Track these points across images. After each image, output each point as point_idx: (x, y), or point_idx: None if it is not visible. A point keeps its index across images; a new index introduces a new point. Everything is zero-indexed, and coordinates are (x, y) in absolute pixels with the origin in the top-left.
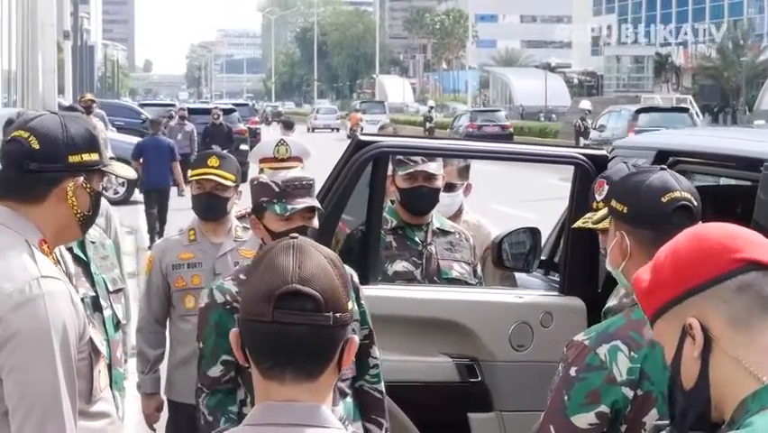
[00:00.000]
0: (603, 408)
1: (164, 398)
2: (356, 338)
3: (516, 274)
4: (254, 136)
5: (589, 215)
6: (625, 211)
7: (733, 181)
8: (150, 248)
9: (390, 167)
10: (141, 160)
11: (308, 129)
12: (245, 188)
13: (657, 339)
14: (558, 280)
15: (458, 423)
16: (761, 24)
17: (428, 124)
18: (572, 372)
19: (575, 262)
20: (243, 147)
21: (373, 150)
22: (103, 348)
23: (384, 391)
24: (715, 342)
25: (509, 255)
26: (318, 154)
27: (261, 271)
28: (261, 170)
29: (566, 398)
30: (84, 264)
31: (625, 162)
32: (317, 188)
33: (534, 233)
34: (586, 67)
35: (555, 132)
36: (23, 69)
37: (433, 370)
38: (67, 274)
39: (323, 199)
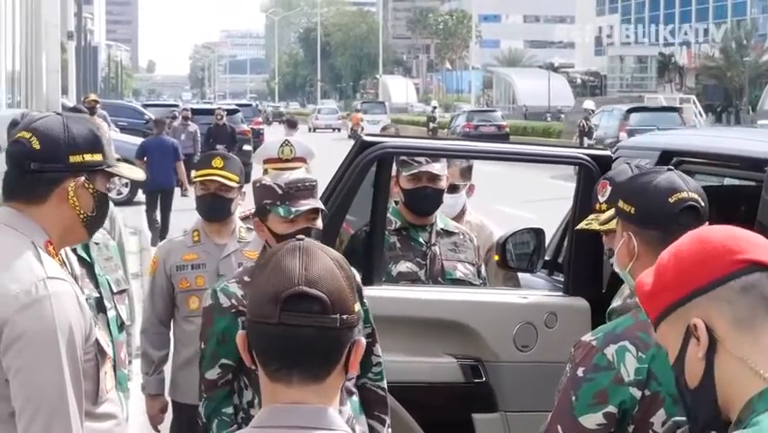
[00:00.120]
0: (611, 408)
1: (168, 399)
2: (363, 340)
3: (520, 275)
4: (257, 137)
5: (593, 216)
6: (632, 212)
7: (737, 182)
8: (152, 244)
9: (394, 168)
10: (144, 159)
11: (310, 129)
12: (249, 189)
13: (660, 341)
14: (562, 280)
15: (462, 423)
16: (764, 24)
17: (431, 125)
18: (580, 372)
19: (579, 263)
20: (247, 147)
21: (377, 150)
22: (109, 349)
23: (386, 388)
24: (719, 342)
25: (513, 256)
26: (319, 154)
27: (268, 272)
28: (266, 171)
29: (574, 398)
30: (88, 265)
31: (628, 163)
32: (319, 188)
33: (538, 233)
34: (589, 67)
35: (559, 132)
36: (27, 70)
37: (437, 370)
38: (73, 275)
39: (327, 200)
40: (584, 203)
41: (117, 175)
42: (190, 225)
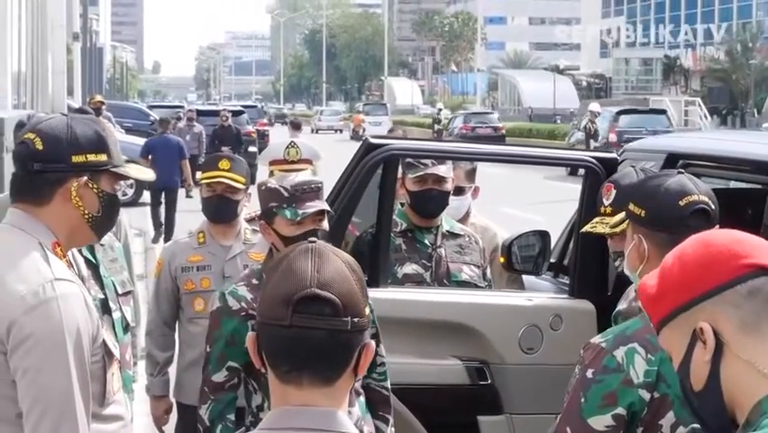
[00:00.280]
0: (620, 410)
1: (173, 400)
2: (373, 344)
3: (526, 277)
4: (263, 138)
5: (597, 219)
6: (642, 214)
7: (743, 185)
8: (153, 241)
9: (400, 170)
10: (149, 158)
11: (312, 130)
12: (254, 191)
13: (663, 345)
14: (568, 283)
15: (468, 426)
16: None
17: (437, 127)
18: (589, 374)
19: (585, 265)
20: (252, 149)
21: (383, 153)
22: (116, 351)
23: (390, 388)
24: (726, 346)
25: (519, 258)
26: (323, 155)
27: (280, 274)
28: (271, 173)
29: (583, 400)
30: (93, 267)
31: (633, 166)
32: (324, 190)
33: (543, 235)
34: (594, 69)
35: (564, 134)
36: (33, 71)
37: (443, 372)
38: (80, 277)
39: (333, 202)
40: (590, 205)
41: (124, 176)
42: (195, 226)
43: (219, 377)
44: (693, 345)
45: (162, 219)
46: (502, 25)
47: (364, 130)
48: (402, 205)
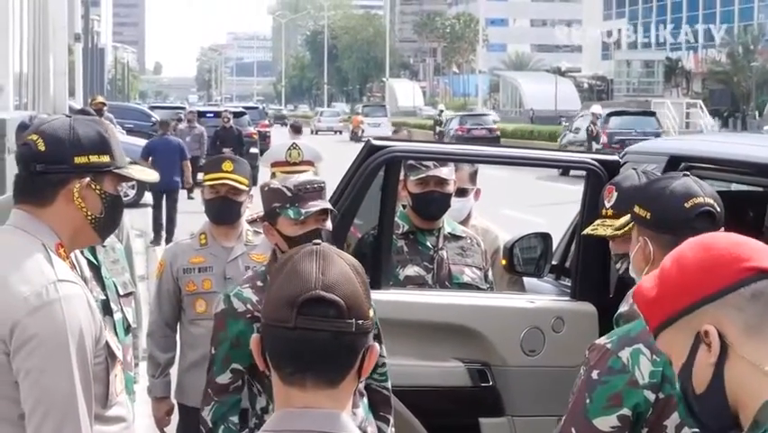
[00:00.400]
0: (625, 411)
1: (174, 402)
2: (377, 346)
3: (527, 279)
4: (264, 139)
5: (599, 221)
6: (648, 217)
7: (745, 187)
8: (154, 243)
9: (402, 172)
10: (149, 159)
11: (312, 131)
12: (256, 192)
13: (662, 348)
14: (569, 285)
15: (469, 428)
16: None
17: (438, 128)
18: (595, 375)
19: (586, 268)
20: (254, 150)
21: (385, 155)
22: (119, 352)
23: (390, 388)
24: (731, 348)
25: (521, 260)
26: (323, 156)
27: (284, 276)
28: (273, 174)
29: (588, 401)
30: (94, 268)
31: (634, 168)
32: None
33: (545, 238)
34: (596, 71)
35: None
36: (35, 72)
37: (444, 374)
38: (83, 278)
39: (335, 204)
40: (591, 208)
41: (127, 177)
42: (197, 227)
43: (223, 379)
44: (696, 347)
45: (164, 221)
46: (504, 27)
47: (363, 131)
48: (404, 207)
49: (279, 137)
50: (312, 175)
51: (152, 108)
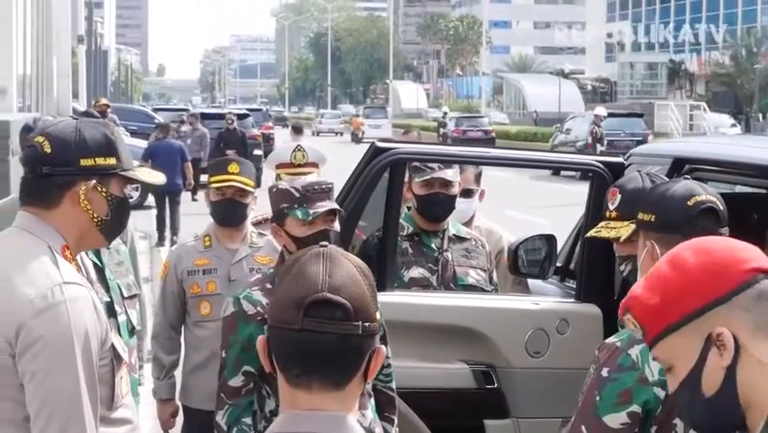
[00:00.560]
0: (635, 407)
1: (179, 404)
2: (383, 348)
3: (532, 281)
4: (268, 141)
5: (602, 224)
6: (652, 219)
7: (749, 189)
8: (158, 245)
9: (407, 173)
10: (149, 161)
11: (313, 133)
12: (260, 194)
13: (664, 355)
14: (574, 286)
15: (474, 429)
16: None
17: (442, 130)
18: (605, 372)
19: (591, 269)
20: (257, 152)
21: (390, 156)
22: (125, 355)
23: (395, 389)
24: (742, 349)
25: (525, 262)
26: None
27: (291, 279)
28: (278, 176)
29: (598, 398)
30: (98, 270)
31: (638, 171)
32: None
33: (549, 239)
34: (599, 73)
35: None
36: (38, 74)
37: (449, 376)
38: (89, 280)
39: (340, 205)
40: (596, 210)
41: (134, 179)
42: (201, 229)
43: (236, 382)
44: (707, 351)
45: (167, 223)
46: (507, 29)
47: (363, 133)
48: (409, 209)
49: (281, 138)
50: (318, 176)
51: (156, 110)
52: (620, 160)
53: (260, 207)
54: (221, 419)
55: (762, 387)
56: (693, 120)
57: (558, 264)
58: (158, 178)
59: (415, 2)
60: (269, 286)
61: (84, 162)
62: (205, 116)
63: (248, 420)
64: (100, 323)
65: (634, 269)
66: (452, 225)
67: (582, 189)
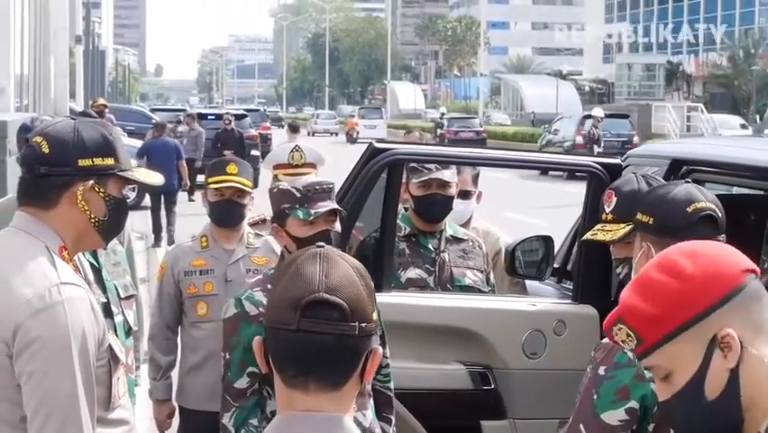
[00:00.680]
0: (633, 403)
1: (175, 404)
2: (380, 349)
3: (529, 282)
4: (265, 142)
5: (598, 226)
6: (651, 222)
7: (747, 190)
8: (155, 245)
9: (404, 174)
10: (145, 158)
11: (309, 133)
12: (257, 195)
13: (664, 362)
14: (571, 288)
15: (471, 430)
16: None
17: (439, 131)
18: (601, 371)
19: (588, 271)
20: (255, 153)
21: (388, 157)
22: (122, 355)
23: (392, 389)
24: (745, 349)
25: (522, 263)
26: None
27: (288, 279)
28: (276, 177)
29: (595, 396)
30: (95, 270)
31: (634, 173)
32: None
33: (546, 241)
34: (597, 74)
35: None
36: (36, 74)
37: (446, 377)
38: (86, 281)
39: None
40: (593, 211)
41: (132, 180)
42: (197, 230)
43: (241, 384)
44: (711, 353)
45: (163, 222)
46: (505, 30)
47: (358, 133)
48: (406, 209)
49: (276, 138)
50: (318, 176)
51: (153, 111)
52: (618, 161)
53: (257, 207)
54: (228, 421)
55: (766, 386)
56: (691, 121)
57: (555, 265)
58: (156, 178)
59: (413, 3)
60: (269, 286)
61: (82, 163)
62: (202, 117)
63: (254, 421)
64: (97, 323)
65: (630, 271)
66: (449, 225)
67: (580, 191)
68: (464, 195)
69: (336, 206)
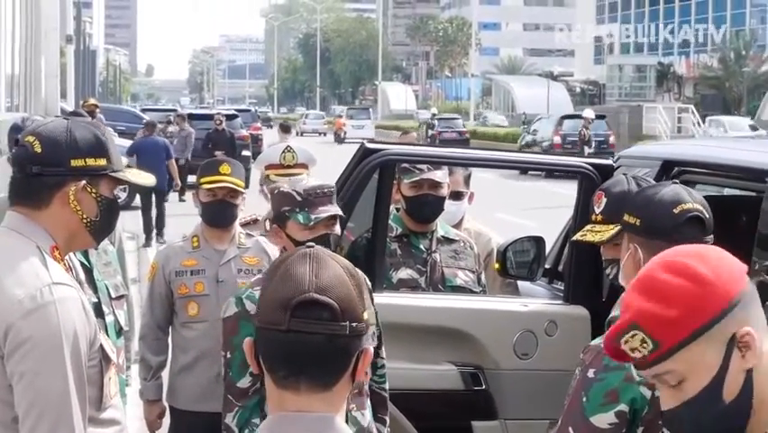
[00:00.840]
0: (622, 406)
1: (166, 405)
2: (371, 349)
3: (520, 283)
4: (256, 142)
5: (588, 227)
6: (638, 223)
7: (737, 192)
8: (145, 245)
9: (396, 174)
10: (134, 156)
11: (298, 133)
12: (248, 195)
13: (682, 367)
14: (562, 288)
15: (462, 431)
16: (763, 35)
17: (431, 132)
18: (590, 373)
19: (579, 272)
20: (246, 153)
21: (380, 158)
22: (114, 355)
23: (387, 390)
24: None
25: (514, 264)
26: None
27: (278, 279)
28: (267, 177)
29: (585, 399)
30: (86, 270)
31: (624, 174)
32: None
33: (538, 241)
34: (588, 76)
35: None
36: (26, 73)
37: (437, 377)
38: (78, 281)
39: None
40: (585, 212)
41: (124, 180)
42: (188, 230)
43: (244, 383)
44: (730, 354)
45: (154, 222)
46: (496, 31)
47: (345, 133)
48: (397, 210)
49: (268, 138)
50: (319, 179)
51: (144, 111)
52: (609, 162)
53: (248, 207)
54: (231, 421)
55: None
56: (681, 122)
57: (546, 266)
58: (148, 179)
59: (404, 3)
60: None
61: (74, 163)
62: (193, 117)
63: (257, 421)
64: (89, 324)
65: (619, 272)
66: (441, 226)
67: (568, 191)
68: (456, 196)
69: (338, 210)
